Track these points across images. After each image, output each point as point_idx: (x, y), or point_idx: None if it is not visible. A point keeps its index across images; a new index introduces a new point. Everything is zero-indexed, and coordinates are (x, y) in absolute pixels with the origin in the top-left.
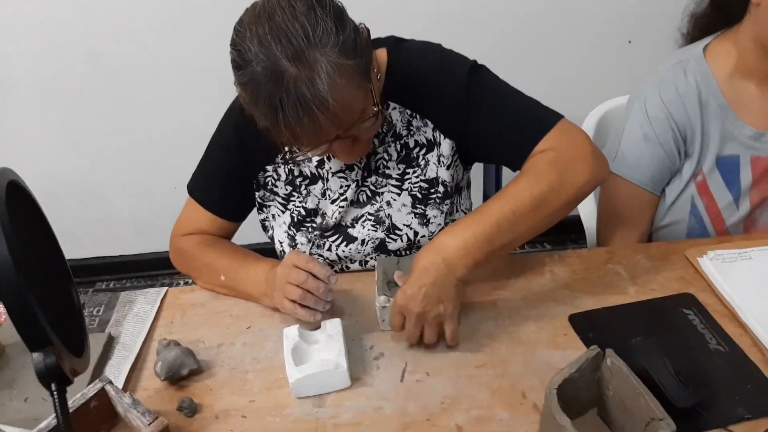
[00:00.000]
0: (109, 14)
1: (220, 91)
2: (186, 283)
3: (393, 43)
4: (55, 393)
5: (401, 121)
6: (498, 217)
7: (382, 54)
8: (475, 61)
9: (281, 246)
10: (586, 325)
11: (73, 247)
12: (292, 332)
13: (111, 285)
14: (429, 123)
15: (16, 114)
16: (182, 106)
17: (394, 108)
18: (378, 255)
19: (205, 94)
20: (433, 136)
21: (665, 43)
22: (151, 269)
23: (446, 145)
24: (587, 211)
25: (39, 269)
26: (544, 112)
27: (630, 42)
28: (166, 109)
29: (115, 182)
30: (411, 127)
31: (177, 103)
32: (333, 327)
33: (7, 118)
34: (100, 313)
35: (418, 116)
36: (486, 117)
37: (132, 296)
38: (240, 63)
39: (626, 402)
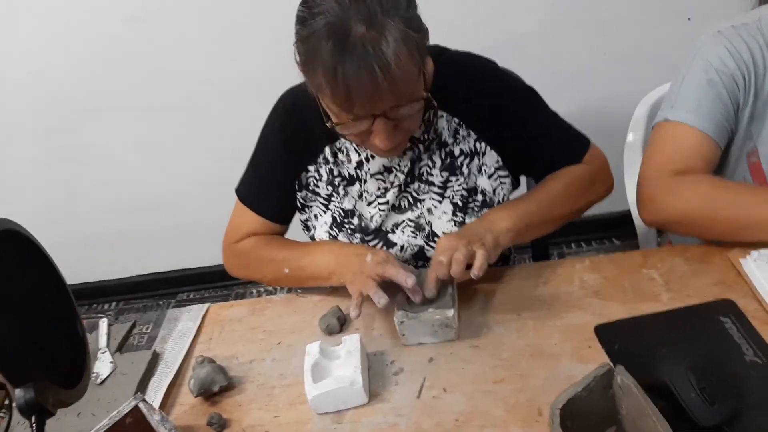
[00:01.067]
0: (174, 33)
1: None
2: (260, 293)
3: (438, 52)
4: (33, 425)
5: (447, 129)
6: (535, 200)
7: (427, 62)
8: (528, 85)
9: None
10: (613, 337)
11: (154, 261)
12: (313, 348)
13: (192, 296)
14: (473, 133)
15: (88, 130)
16: (250, 120)
17: (442, 116)
18: (418, 263)
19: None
20: (476, 146)
21: (729, 19)
22: (226, 279)
23: (490, 156)
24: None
25: (34, 308)
26: (578, 138)
27: (689, 19)
28: (236, 123)
29: (188, 192)
30: (457, 136)
31: (246, 117)
32: (352, 343)
33: (86, 134)
34: (149, 331)
35: (464, 125)
36: (530, 136)
37: (177, 313)
38: (306, 16)
39: (637, 422)
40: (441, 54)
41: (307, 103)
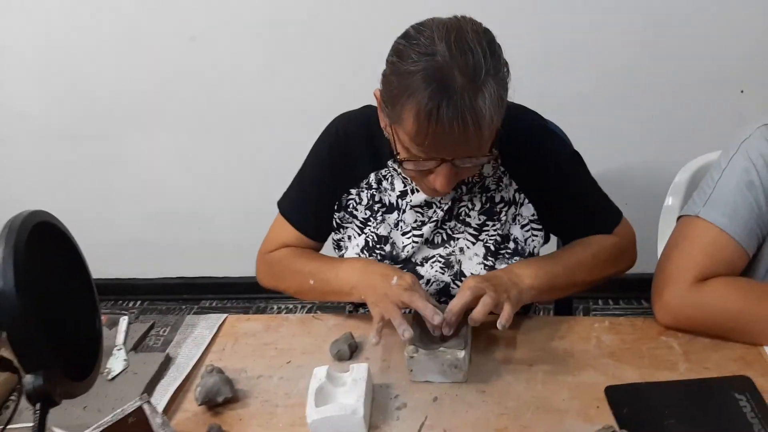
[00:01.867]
0: (229, 54)
1: (308, 132)
2: (280, 309)
3: None
4: (37, 412)
5: (492, 176)
6: (562, 263)
7: None
8: (574, 149)
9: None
10: (623, 400)
11: (183, 266)
12: (321, 372)
13: (214, 304)
14: (515, 183)
15: (139, 138)
16: (291, 145)
17: (488, 162)
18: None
19: (308, 133)
20: (515, 196)
21: None
22: (249, 292)
23: (527, 209)
24: None
25: (58, 298)
26: (612, 210)
27: (742, 92)
28: (277, 147)
29: (221, 206)
30: (500, 183)
31: (287, 142)
32: (360, 372)
33: (128, 140)
34: (165, 333)
35: (508, 174)
36: (566, 199)
37: (195, 320)
38: (409, 53)
39: None
40: None
41: (359, 130)
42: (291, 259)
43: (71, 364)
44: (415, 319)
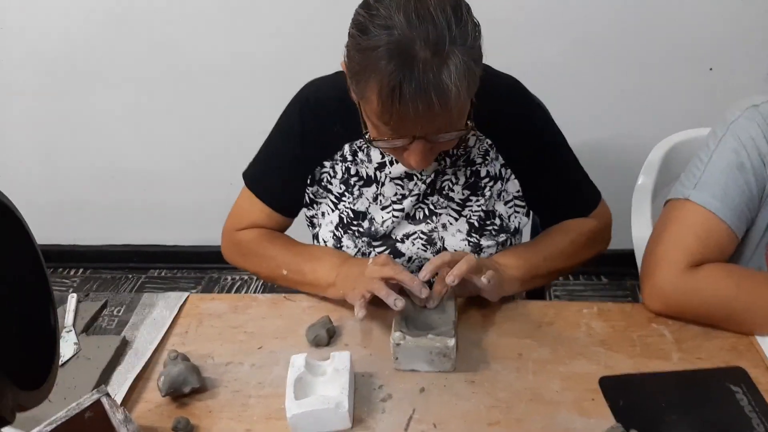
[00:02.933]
0: (185, 4)
1: (285, 90)
2: (234, 281)
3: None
4: None
5: (478, 149)
6: (542, 253)
7: None
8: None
9: (325, 246)
10: (618, 392)
11: (130, 232)
12: (299, 360)
13: (164, 274)
14: (501, 158)
15: (85, 94)
16: (246, 102)
17: (474, 134)
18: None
19: (269, 93)
20: (501, 171)
21: (750, 71)
22: (202, 261)
23: (512, 184)
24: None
25: (7, 288)
26: (591, 191)
27: (711, 69)
28: (238, 107)
29: (176, 171)
30: (486, 157)
31: (250, 103)
32: (341, 361)
33: (74, 97)
34: (120, 314)
35: (495, 148)
36: (550, 176)
37: (152, 299)
38: (368, 26)
39: None
40: (484, 71)
41: (331, 97)
42: (263, 244)
43: (19, 371)
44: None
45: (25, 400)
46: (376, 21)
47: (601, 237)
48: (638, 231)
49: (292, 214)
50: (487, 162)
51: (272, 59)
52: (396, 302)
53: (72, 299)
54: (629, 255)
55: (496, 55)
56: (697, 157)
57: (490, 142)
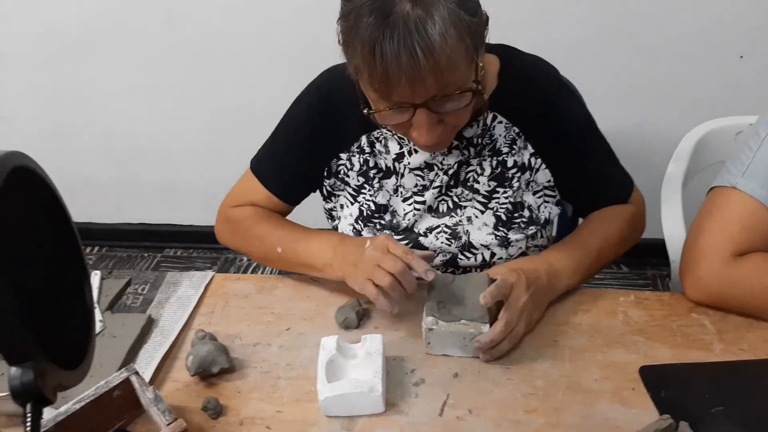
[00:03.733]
0: None
1: (293, 73)
2: (251, 262)
3: (505, 50)
4: (28, 416)
5: (505, 137)
6: (596, 248)
7: (492, 60)
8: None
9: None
10: (659, 382)
11: (145, 211)
12: (330, 343)
13: (179, 253)
14: (530, 147)
15: (94, 69)
16: (264, 81)
17: (501, 121)
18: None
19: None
20: (530, 160)
21: None
22: (217, 242)
23: (543, 174)
24: (675, 242)
25: (39, 267)
26: (626, 178)
27: (741, 57)
28: (250, 84)
29: (188, 147)
30: (514, 146)
31: (262, 80)
32: (373, 344)
33: (87, 73)
34: (144, 292)
35: (523, 136)
36: (586, 163)
37: (177, 278)
38: None
39: None
40: (508, 53)
41: (348, 86)
42: (257, 221)
43: (59, 351)
44: (435, 285)
45: (66, 380)
46: None
47: (639, 224)
48: (668, 219)
49: (293, 202)
50: (514, 151)
51: (292, 39)
52: (428, 273)
53: (96, 276)
54: (649, 244)
55: (521, 39)
56: (746, 145)
57: (517, 130)
